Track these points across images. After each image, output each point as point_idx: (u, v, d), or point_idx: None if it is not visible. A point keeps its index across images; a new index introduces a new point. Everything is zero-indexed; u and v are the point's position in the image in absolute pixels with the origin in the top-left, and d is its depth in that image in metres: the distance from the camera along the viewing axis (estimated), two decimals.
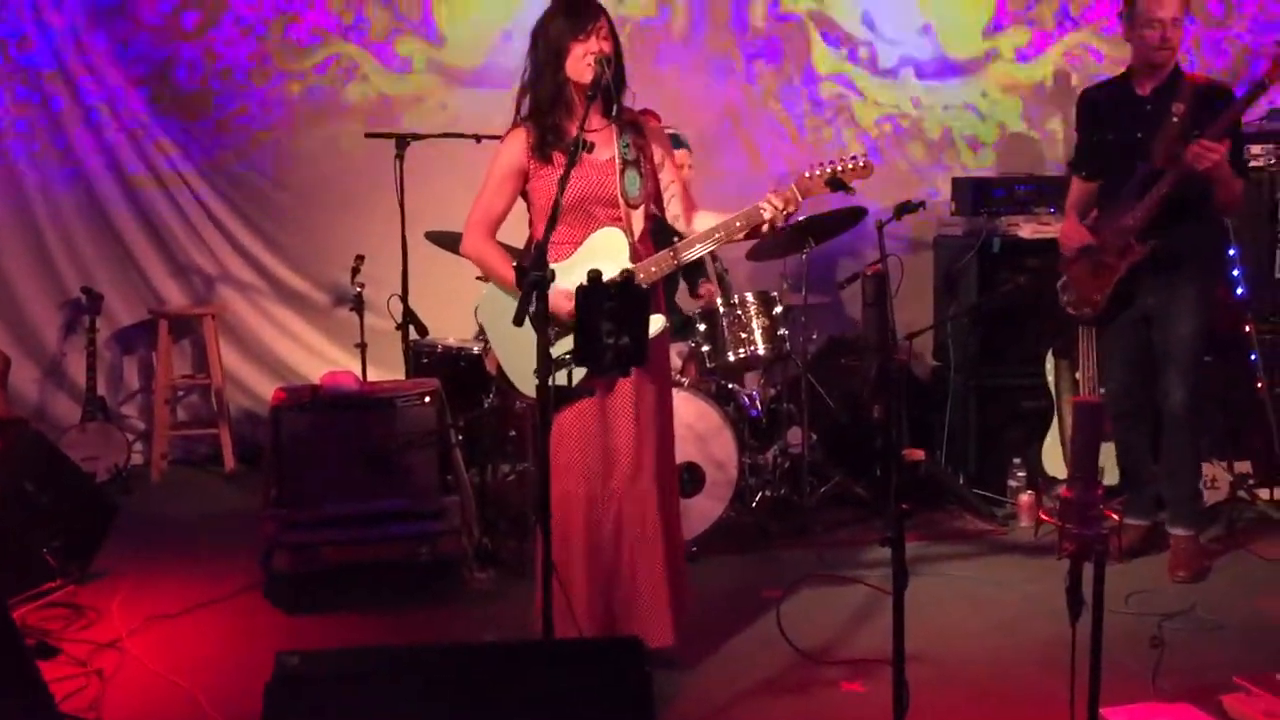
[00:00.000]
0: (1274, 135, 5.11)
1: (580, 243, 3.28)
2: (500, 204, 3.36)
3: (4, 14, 5.74)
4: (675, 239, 3.44)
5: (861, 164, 3.23)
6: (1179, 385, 4.16)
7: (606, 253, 3.24)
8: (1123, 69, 4.31)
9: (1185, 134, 3.95)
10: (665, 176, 3.43)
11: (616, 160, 3.27)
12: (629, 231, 3.27)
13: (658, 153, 3.40)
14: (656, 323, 3.28)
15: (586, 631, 3.21)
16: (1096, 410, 2.36)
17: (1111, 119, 4.25)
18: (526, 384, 3.22)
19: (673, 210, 3.48)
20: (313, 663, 2.06)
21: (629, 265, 3.22)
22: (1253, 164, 4.91)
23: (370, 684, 2.05)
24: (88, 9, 5.77)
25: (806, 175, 3.24)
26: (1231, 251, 4.93)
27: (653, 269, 3.25)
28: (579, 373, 2.84)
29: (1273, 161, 5.10)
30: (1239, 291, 4.96)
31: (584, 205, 3.26)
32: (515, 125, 3.32)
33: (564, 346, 2.75)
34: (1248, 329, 4.91)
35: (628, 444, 3.30)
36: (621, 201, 3.27)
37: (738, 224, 3.25)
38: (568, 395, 2.73)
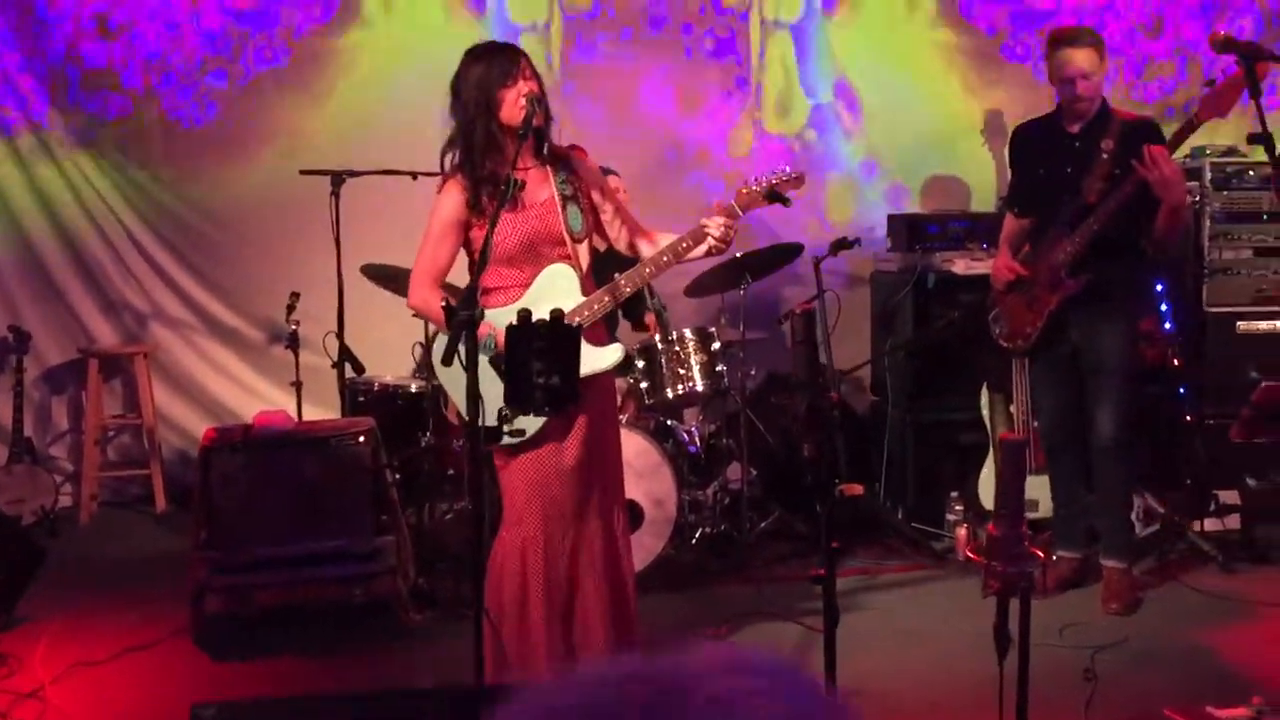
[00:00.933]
0: (1196, 173, 5.23)
1: (526, 285, 3.25)
2: (443, 256, 3.32)
3: None
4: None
5: (794, 175, 3.27)
6: (1108, 419, 4.22)
7: (556, 290, 3.23)
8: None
9: (1114, 171, 4.03)
10: (606, 205, 3.43)
11: (556, 198, 3.27)
12: (578, 266, 3.27)
13: (593, 184, 3.41)
14: (610, 355, 3.30)
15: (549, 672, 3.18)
16: (1019, 447, 2.38)
17: (1042, 156, 4.32)
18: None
19: (619, 236, 3.46)
20: (229, 713, 2.01)
21: (581, 299, 3.23)
22: None
23: None
24: (15, 40, 5.69)
25: (744, 190, 3.26)
26: (1159, 286, 5.02)
27: (595, 307, 3.24)
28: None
29: (1197, 198, 5.21)
30: (1167, 326, 5.05)
31: (533, 247, 3.24)
32: (448, 177, 3.27)
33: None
34: (1176, 362, 4.99)
35: (584, 485, 3.27)
36: (567, 237, 3.26)
37: (683, 246, 3.25)
38: (497, 436, 2.70)
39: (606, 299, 3.26)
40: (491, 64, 3.20)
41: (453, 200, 3.25)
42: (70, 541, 5.35)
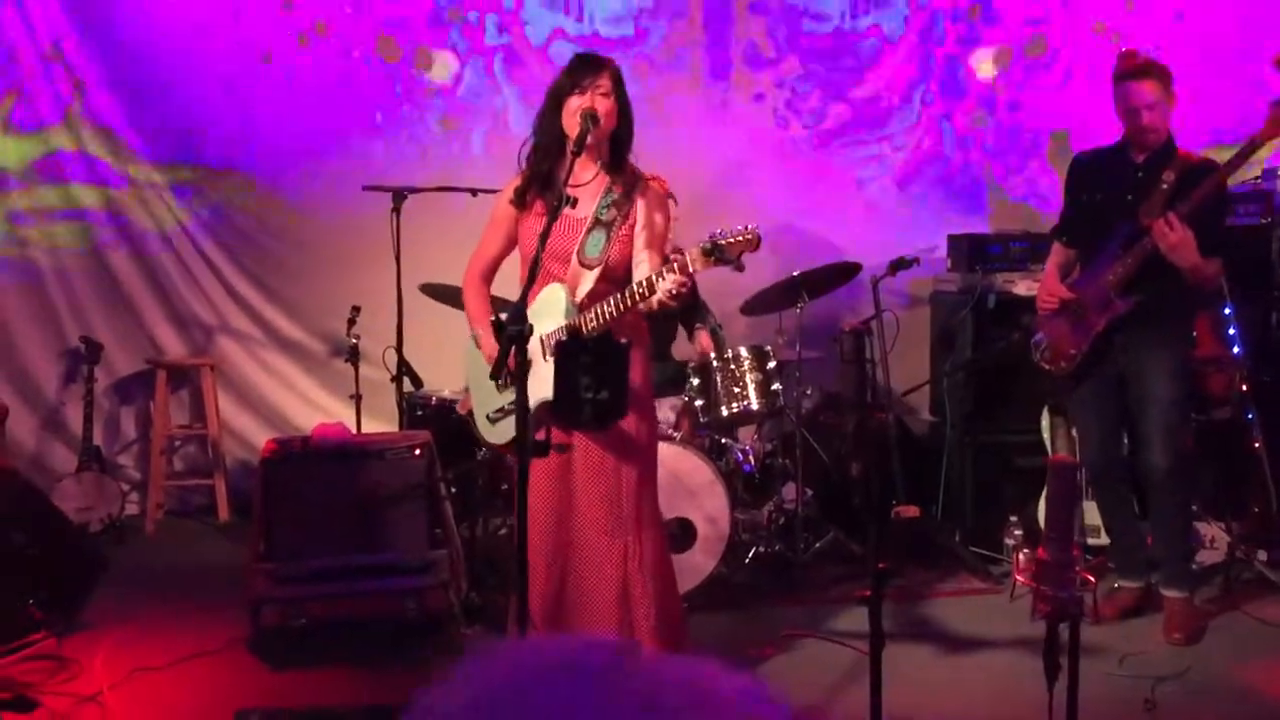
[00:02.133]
0: (1267, 195, 5.12)
1: (534, 296, 3.21)
2: (492, 248, 3.43)
3: (7, 64, 5.82)
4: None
5: (747, 236, 2.88)
6: (1159, 449, 4.13)
7: (546, 309, 3.20)
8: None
9: (1173, 199, 3.97)
10: (639, 242, 3.28)
11: (589, 219, 3.25)
12: (571, 291, 3.22)
13: (642, 218, 3.27)
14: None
15: None
16: (1070, 470, 2.34)
17: (1102, 182, 4.27)
18: (481, 424, 3.35)
19: (635, 277, 3.31)
20: None
21: (564, 324, 3.15)
22: (1246, 222, 4.91)
23: None
24: (92, 56, 5.84)
25: (698, 248, 2.94)
26: (1227, 310, 4.92)
27: (589, 327, 3.15)
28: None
29: (1268, 220, 5.10)
30: (1235, 350, 4.94)
31: (545, 262, 3.18)
32: (519, 173, 3.34)
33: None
34: (1244, 387, 4.88)
35: (596, 500, 3.25)
36: (574, 259, 3.24)
37: (639, 294, 3.03)
38: (544, 449, 2.72)
39: (556, 337, 3.14)
40: (573, 71, 3.24)
41: (506, 194, 3.33)
42: (135, 550, 5.46)
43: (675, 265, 2.94)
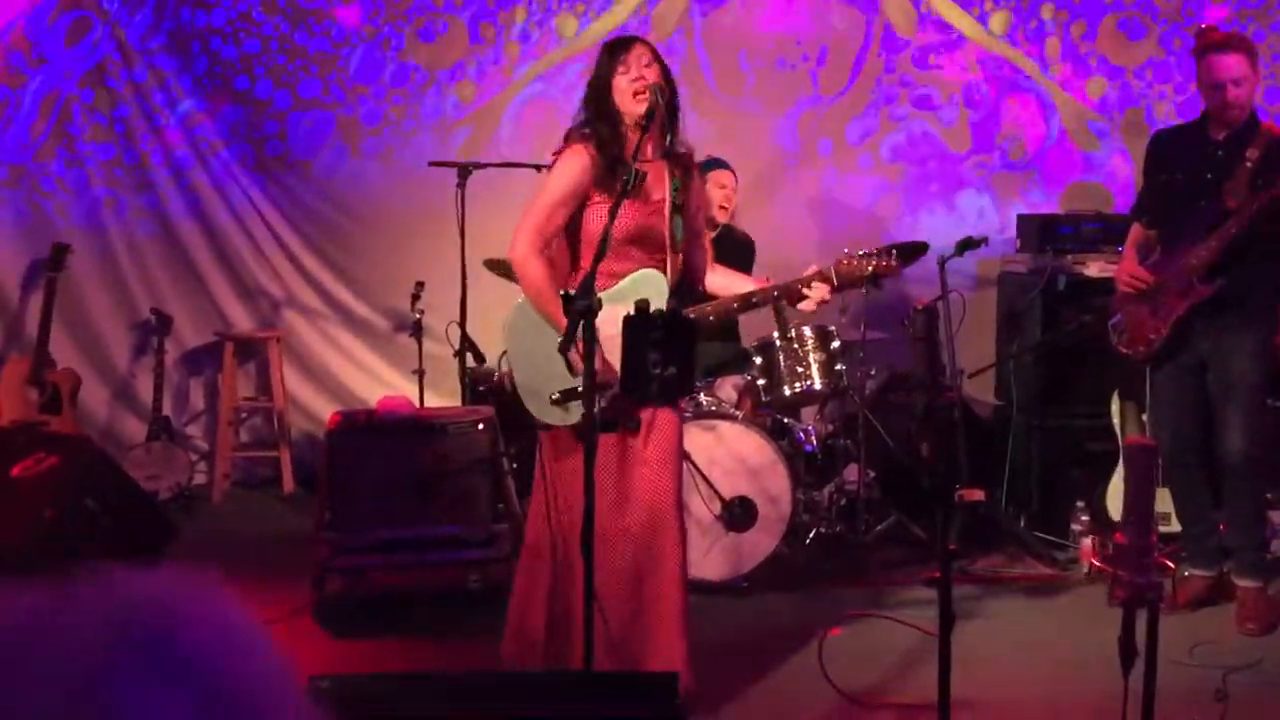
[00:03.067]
0: None
1: (616, 277, 3.16)
2: (558, 220, 3.20)
3: (80, 40, 5.91)
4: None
5: (897, 262, 3.24)
6: (1238, 433, 4.04)
7: (643, 293, 3.09)
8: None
9: (1258, 178, 3.87)
10: (700, 223, 3.40)
11: (668, 202, 3.22)
12: (669, 276, 3.21)
13: (695, 201, 3.36)
14: None
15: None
16: (1150, 453, 2.29)
17: (1182, 160, 4.17)
18: (535, 404, 3.23)
19: (698, 260, 3.44)
20: (345, 688, 2.06)
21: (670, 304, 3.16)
22: None
23: (401, 711, 2.05)
24: (159, 33, 5.92)
25: (845, 263, 3.21)
26: None
27: (710, 316, 3.24)
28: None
29: None
30: None
31: (635, 241, 3.18)
32: (574, 142, 3.20)
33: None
34: None
35: (643, 481, 3.21)
36: (668, 242, 3.21)
37: (775, 294, 3.23)
38: (612, 425, 2.71)
39: (729, 306, 3.25)
40: (610, 54, 3.22)
41: (579, 165, 3.15)
42: (202, 519, 5.55)
43: (833, 276, 3.20)
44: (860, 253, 3.22)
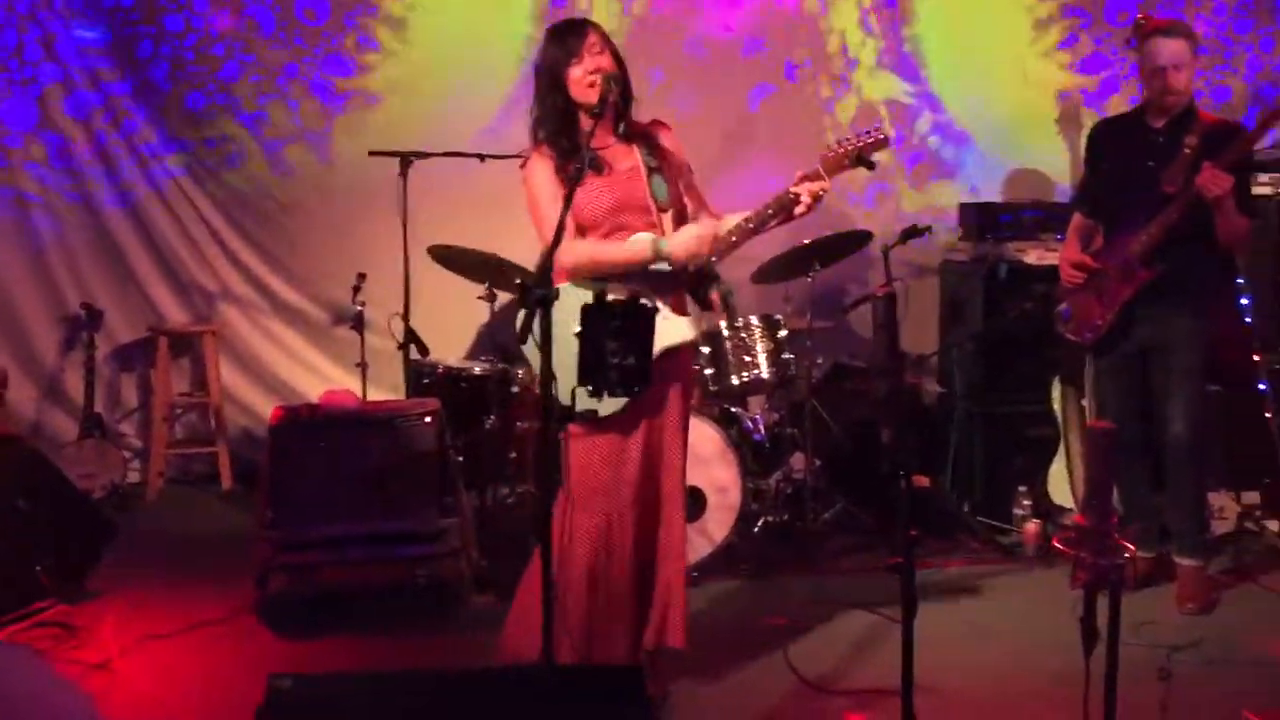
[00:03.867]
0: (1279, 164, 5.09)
1: None
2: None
3: (8, 31, 5.72)
4: None
5: (879, 137, 3.13)
6: (1179, 417, 4.12)
7: None
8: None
9: (1197, 164, 3.93)
10: (687, 179, 3.37)
11: (641, 167, 3.23)
12: (663, 235, 3.21)
13: (676, 159, 3.33)
14: (679, 329, 3.22)
15: (582, 654, 3.17)
16: (1110, 436, 2.31)
17: (1122, 150, 4.24)
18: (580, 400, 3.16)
19: (692, 214, 3.40)
20: (305, 686, 2.01)
21: (668, 268, 3.17)
22: (1259, 192, 4.88)
23: (363, 709, 2.01)
24: (91, 27, 5.76)
25: (829, 154, 3.13)
26: (1240, 280, 4.89)
27: (733, 238, 3.19)
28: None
29: (1279, 191, 5.07)
30: (1247, 321, 4.92)
31: (617, 216, 3.20)
32: (534, 148, 3.25)
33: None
34: (1256, 358, 4.86)
35: (655, 467, 3.24)
36: (652, 204, 3.22)
37: (769, 211, 3.16)
38: (570, 416, 2.67)
39: (730, 238, 3.20)
40: (561, 42, 3.19)
41: (545, 168, 3.20)
42: (138, 517, 5.42)
43: (821, 170, 3.09)
44: (843, 139, 3.19)
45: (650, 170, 3.23)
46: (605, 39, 3.22)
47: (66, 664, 3.65)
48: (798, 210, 3.13)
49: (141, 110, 5.84)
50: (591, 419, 3.07)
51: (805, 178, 3.11)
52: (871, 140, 3.11)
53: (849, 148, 3.12)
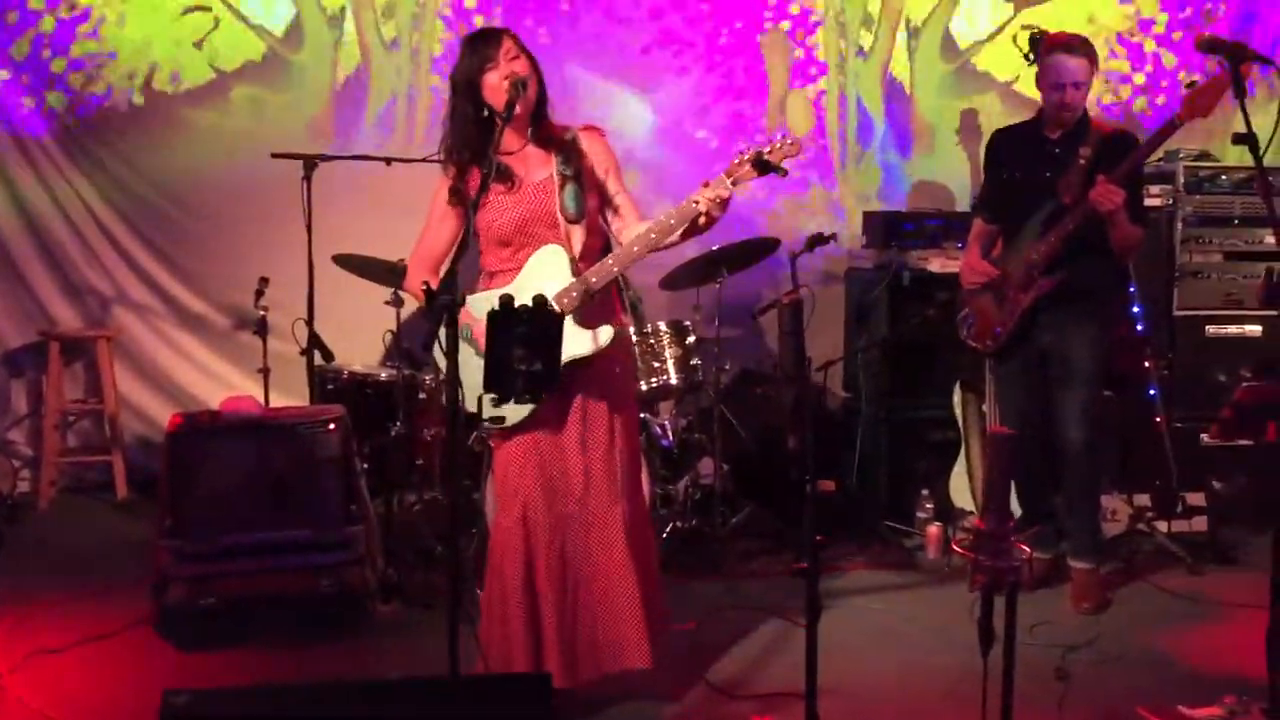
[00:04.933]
0: (1169, 177, 5.26)
1: (520, 267, 3.23)
2: (436, 242, 3.34)
3: None
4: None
5: (790, 142, 3.04)
6: (1076, 421, 4.23)
7: (545, 271, 3.18)
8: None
9: (1091, 175, 4.04)
10: (611, 186, 3.33)
11: (554, 178, 3.22)
12: (569, 248, 3.21)
13: (599, 166, 3.31)
14: (604, 333, 3.22)
15: (526, 664, 3.18)
16: (1011, 441, 2.36)
17: (1020, 159, 4.34)
18: (486, 409, 3.13)
19: (615, 225, 3.39)
20: (202, 702, 1.96)
21: (571, 280, 3.15)
22: (1150, 204, 5.04)
23: None
24: None
25: (735, 161, 3.07)
26: (1131, 288, 5.05)
27: (593, 280, 3.17)
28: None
29: (1170, 202, 5.24)
30: (1139, 328, 5.07)
31: (526, 228, 3.21)
32: (447, 165, 3.29)
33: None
34: (1147, 365, 5.02)
35: (578, 469, 3.23)
36: (560, 219, 3.21)
37: (671, 221, 3.11)
38: (498, 424, 2.65)
39: (611, 266, 3.17)
40: (475, 49, 3.19)
41: (441, 192, 3.27)
42: (28, 528, 5.25)
43: (725, 177, 3.03)
44: (751, 144, 3.13)
45: (565, 180, 3.21)
46: (520, 45, 3.21)
47: None
48: (700, 221, 3.08)
49: (30, 105, 5.65)
50: (500, 425, 3.06)
51: (707, 185, 3.08)
52: (780, 146, 3.05)
53: (751, 153, 3.06)
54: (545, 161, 3.25)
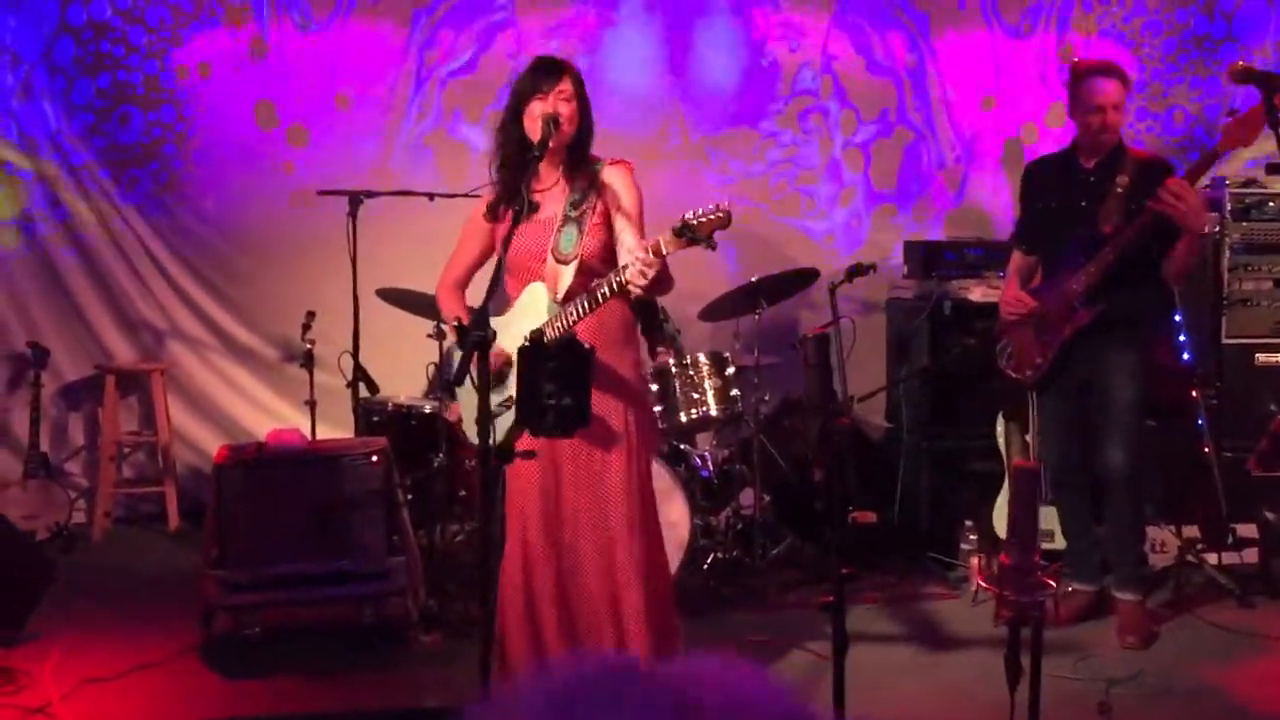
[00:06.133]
0: (1216, 204, 5.20)
1: (512, 301, 3.31)
2: (465, 259, 3.46)
3: None
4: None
5: (717, 214, 2.80)
6: (1119, 451, 4.19)
7: (529, 309, 3.22)
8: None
9: (1129, 203, 4.02)
10: (619, 222, 3.23)
11: (558, 217, 3.25)
12: (553, 288, 3.22)
13: (614, 201, 3.24)
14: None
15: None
16: (1034, 475, 2.36)
17: (1056, 189, 4.32)
18: (473, 433, 3.21)
19: (622, 260, 3.28)
20: None
21: (545, 320, 3.14)
22: None
23: None
24: (39, 63, 5.75)
25: (666, 234, 2.88)
26: (1177, 317, 4.99)
27: (555, 326, 3.14)
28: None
29: (1216, 229, 5.19)
30: (1185, 357, 5.01)
31: (525, 263, 3.26)
32: (490, 184, 3.35)
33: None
34: (1194, 394, 4.95)
35: (571, 502, 3.25)
36: (550, 256, 3.23)
37: (605, 290, 3.03)
38: (508, 455, 2.69)
39: (556, 325, 3.12)
40: (534, 74, 3.22)
41: (477, 212, 3.37)
42: (83, 558, 5.36)
43: (646, 248, 2.90)
44: (685, 214, 2.88)
45: (566, 220, 3.22)
46: (579, 86, 3.23)
47: (3, 709, 3.60)
48: (632, 291, 2.96)
49: (87, 144, 5.81)
50: (530, 458, 3.09)
51: (642, 250, 2.93)
52: (714, 217, 2.81)
53: (690, 222, 2.83)
54: (558, 201, 3.27)
